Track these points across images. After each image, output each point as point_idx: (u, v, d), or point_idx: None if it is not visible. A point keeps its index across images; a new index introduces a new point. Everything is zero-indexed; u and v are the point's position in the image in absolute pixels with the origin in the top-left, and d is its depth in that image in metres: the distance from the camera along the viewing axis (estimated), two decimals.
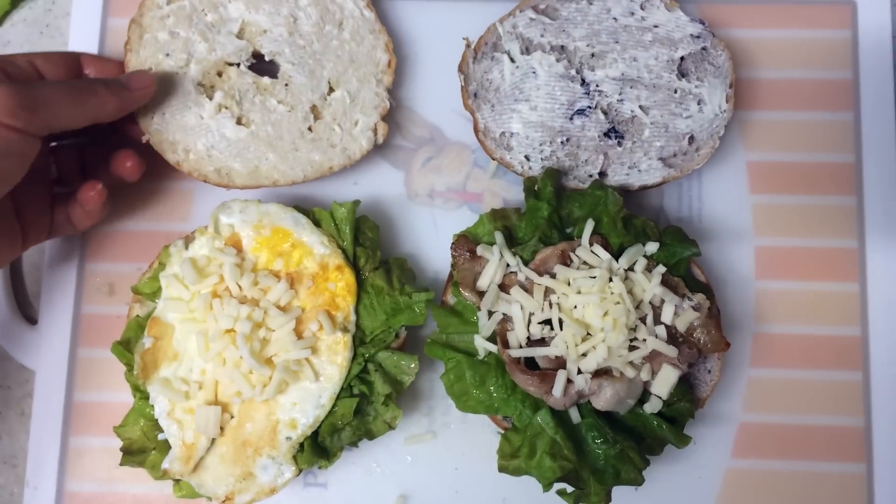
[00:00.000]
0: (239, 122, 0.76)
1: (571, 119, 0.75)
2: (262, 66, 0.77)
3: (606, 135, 0.75)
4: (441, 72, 0.80)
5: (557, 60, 0.76)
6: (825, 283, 0.77)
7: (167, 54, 0.76)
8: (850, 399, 0.76)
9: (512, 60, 0.76)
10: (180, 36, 0.76)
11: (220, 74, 0.76)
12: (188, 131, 0.75)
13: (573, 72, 0.76)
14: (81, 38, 0.83)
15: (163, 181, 0.81)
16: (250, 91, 0.76)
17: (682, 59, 0.76)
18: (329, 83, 0.77)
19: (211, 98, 0.76)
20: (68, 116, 0.66)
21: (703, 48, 0.77)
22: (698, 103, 0.75)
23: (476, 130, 0.76)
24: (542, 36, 0.77)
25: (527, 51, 0.77)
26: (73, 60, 0.74)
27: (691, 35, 0.77)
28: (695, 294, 0.70)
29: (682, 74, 0.76)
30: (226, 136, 0.75)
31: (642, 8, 0.77)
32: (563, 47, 0.77)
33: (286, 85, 0.76)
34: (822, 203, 0.78)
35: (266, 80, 0.76)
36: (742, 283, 0.78)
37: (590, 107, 0.75)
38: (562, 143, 0.75)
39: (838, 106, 0.80)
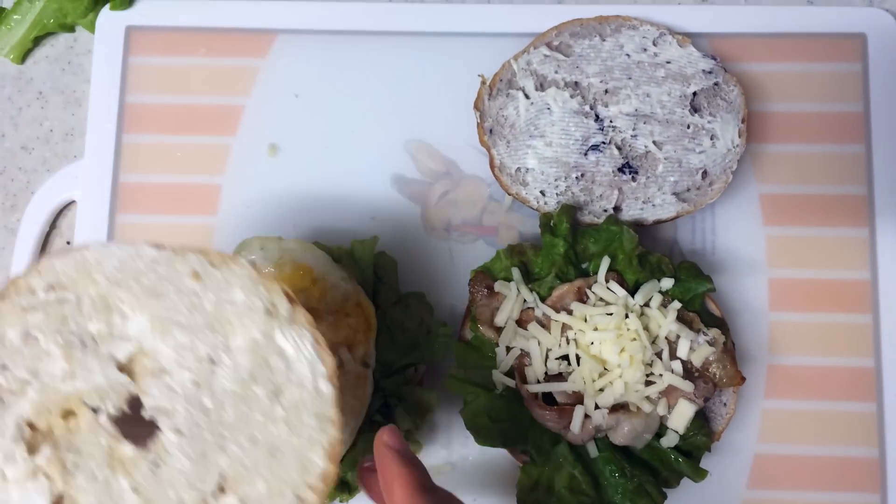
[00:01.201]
0: None
1: (586, 155, 0.76)
2: (134, 423, 0.50)
3: (621, 170, 0.76)
4: (456, 107, 0.82)
5: (571, 97, 0.77)
6: (838, 315, 0.78)
7: (2, 366, 0.50)
8: (864, 430, 0.76)
9: (527, 97, 0.78)
10: (35, 344, 0.51)
11: (65, 418, 0.50)
12: None
13: (587, 108, 0.77)
14: (103, 75, 0.84)
15: (182, 216, 0.82)
16: (95, 459, 0.49)
17: (694, 94, 0.78)
18: (220, 480, 0.49)
19: (30, 453, 0.49)
20: None
21: (716, 83, 0.78)
22: (711, 138, 0.77)
23: (492, 166, 0.78)
24: (556, 72, 0.78)
25: (541, 87, 0.78)
26: None
27: (703, 71, 0.78)
28: (710, 329, 0.71)
29: (695, 110, 0.77)
30: None
31: (655, 44, 0.79)
32: (576, 83, 0.78)
33: (156, 465, 0.49)
34: (834, 234, 0.79)
35: (129, 448, 0.49)
36: (756, 314, 0.79)
37: (604, 142, 0.76)
38: (577, 178, 0.76)
39: (849, 138, 0.81)
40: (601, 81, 0.78)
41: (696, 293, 0.72)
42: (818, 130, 0.81)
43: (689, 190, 0.77)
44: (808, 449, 0.76)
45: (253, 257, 0.74)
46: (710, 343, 0.70)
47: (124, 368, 0.50)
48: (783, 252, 0.79)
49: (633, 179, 0.76)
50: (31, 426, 0.49)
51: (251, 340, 0.50)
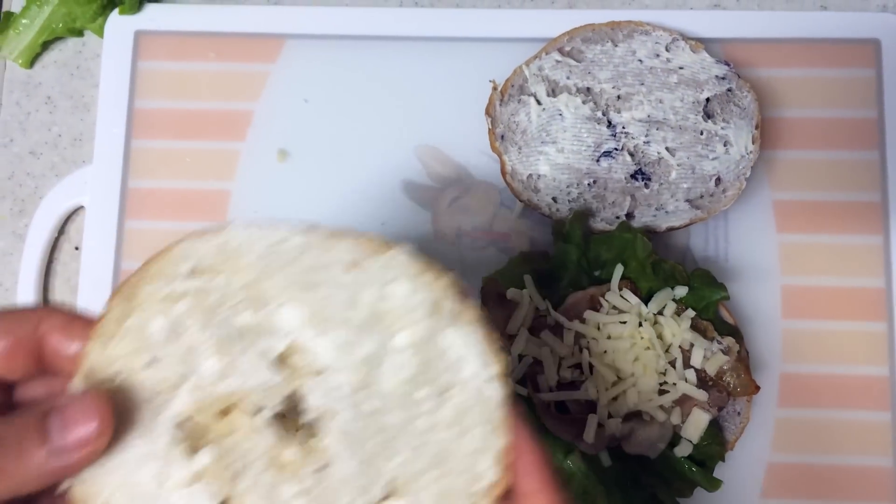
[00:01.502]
0: None
1: (598, 161, 0.76)
2: (295, 425, 0.45)
3: (633, 177, 0.76)
4: (467, 113, 0.81)
5: (584, 102, 0.76)
6: (852, 323, 0.78)
7: (151, 361, 0.44)
8: (878, 439, 0.76)
9: (538, 103, 0.77)
10: (185, 335, 0.44)
11: (221, 418, 0.44)
12: (133, 500, 0.42)
13: (599, 114, 0.76)
14: (112, 80, 0.84)
15: (191, 222, 0.82)
16: (258, 463, 0.43)
17: (707, 100, 0.77)
18: (387, 488, 0.44)
19: (190, 456, 0.43)
20: None
21: (729, 89, 0.77)
22: (724, 145, 0.76)
23: (503, 173, 0.77)
24: (567, 78, 0.77)
25: (553, 93, 0.77)
26: (25, 330, 0.43)
27: (716, 76, 0.77)
28: (724, 337, 0.70)
29: (708, 116, 0.77)
30: None
31: (667, 49, 0.78)
32: (588, 89, 0.77)
33: (321, 471, 0.43)
34: (848, 242, 0.79)
35: (292, 452, 0.44)
36: (769, 322, 0.78)
37: (616, 149, 0.76)
38: (589, 185, 0.76)
39: (863, 145, 0.80)
40: (613, 87, 0.77)
41: (710, 301, 0.71)
42: (832, 137, 0.81)
43: (702, 197, 0.76)
44: (822, 458, 0.76)
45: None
46: (725, 352, 0.70)
47: (280, 366, 0.44)
48: (797, 259, 0.79)
49: (646, 186, 0.76)
50: (187, 428, 0.43)
51: (415, 337, 0.45)
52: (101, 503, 0.42)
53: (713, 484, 0.69)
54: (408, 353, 0.44)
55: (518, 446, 0.44)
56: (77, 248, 0.83)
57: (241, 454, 0.43)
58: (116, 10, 0.85)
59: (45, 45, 0.87)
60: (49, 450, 0.38)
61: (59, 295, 0.83)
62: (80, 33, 0.87)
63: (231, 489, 0.43)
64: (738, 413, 0.73)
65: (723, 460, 0.70)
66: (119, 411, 0.43)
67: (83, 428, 0.39)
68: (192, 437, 0.43)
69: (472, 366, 0.45)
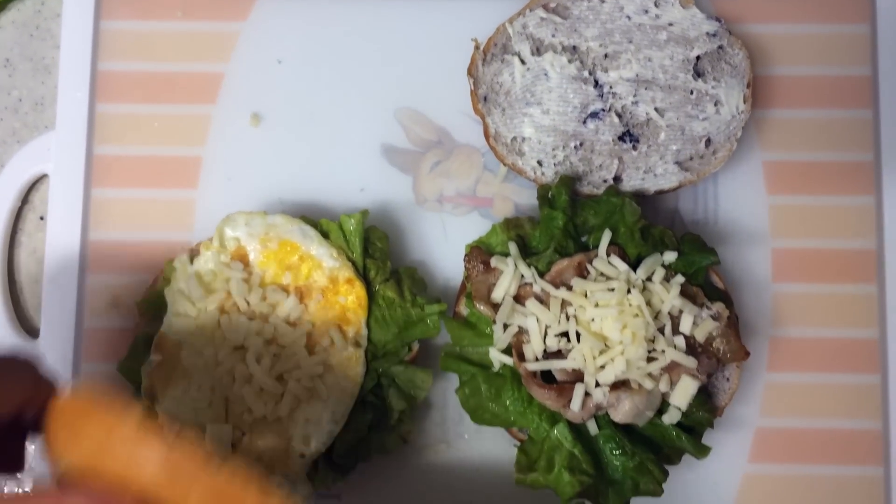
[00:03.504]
0: None
1: (585, 122, 0.73)
2: None
3: (621, 138, 0.73)
4: (448, 73, 0.78)
5: (570, 61, 0.73)
6: (843, 286, 0.76)
7: None
8: (867, 402, 0.75)
9: (522, 62, 0.74)
10: None
11: None
12: None
13: (586, 73, 0.73)
14: (73, 41, 0.79)
15: (161, 189, 0.78)
16: None
17: (697, 58, 0.74)
18: None
19: None
20: None
21: (720, 47, 0.74)
22: (715, 104, 0.73)
23: (487, 136, 0.74)
24: (553, 36, 0.74)
25: (538, 52, 0.74)
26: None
27: (707, 33, 0.74)
28: (713, 303, 0.69)
29: (699, 74, 0.74)
30: None
31: (656, 5, 0.75)
32: (575, 48, 0.74)
33: None
34: (840, 203, 0.77)
35: None
36: (758, 285, 0.77)
37: (603, 109, 0.73)
38: (575, 147, 0.73)
39: (856, 103, 0.78)
40: (600, 45, 0.74)
41: (700, 266, 0.69)
42: (824, 95, 0.78)
43: (691, 159, 0.74)
44: (812, 422, 0.75)
45: (238, 233, 0.71)
46: (714, 317, 0.68)
47: None
48: (787, 221, 0.77)
49: (634, 148, 0.73)
50: None
51: None
52: None
53: (702, 451, 0.68)
54: None
55: None
56: (42, 218, 0.80)
57: None
58: None
59: (2, 5, 0.82)
60: None
61: (24, 267, 0.79)
62: None
63: None
64: (728, 379, 0.71)
65: (712, 427, 0.69)
66: None
67: None
68: None
69: None
